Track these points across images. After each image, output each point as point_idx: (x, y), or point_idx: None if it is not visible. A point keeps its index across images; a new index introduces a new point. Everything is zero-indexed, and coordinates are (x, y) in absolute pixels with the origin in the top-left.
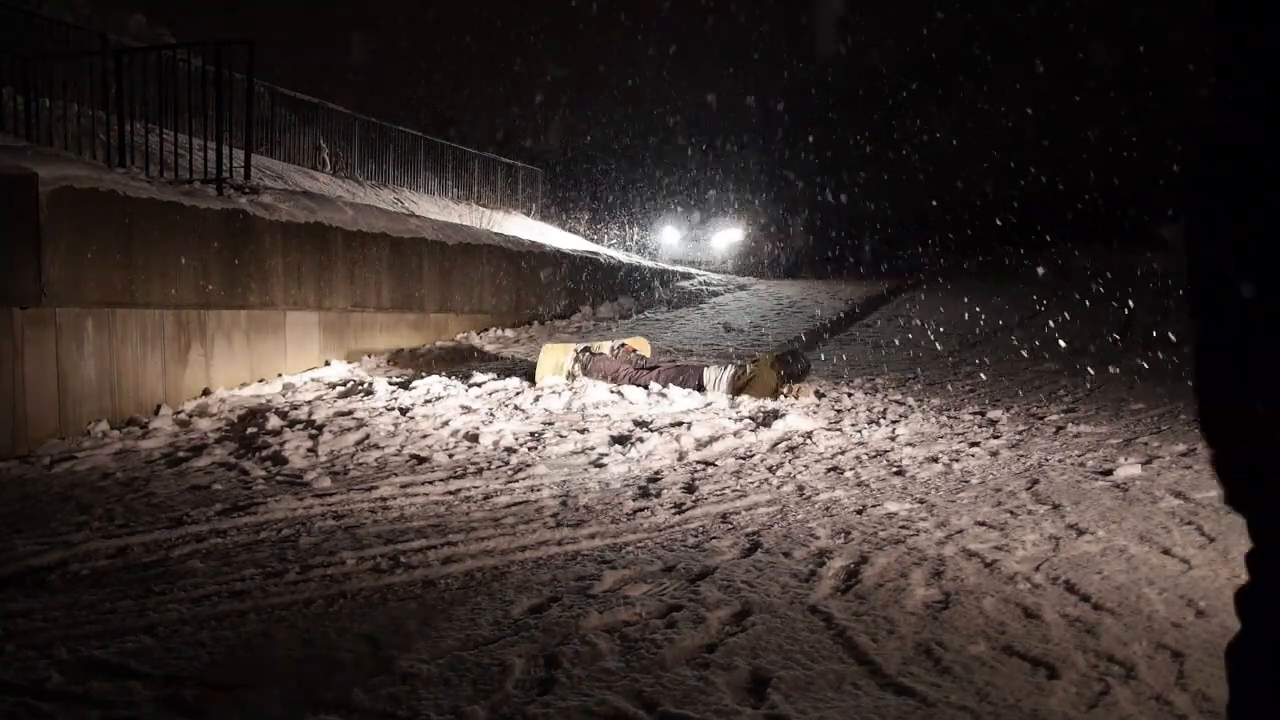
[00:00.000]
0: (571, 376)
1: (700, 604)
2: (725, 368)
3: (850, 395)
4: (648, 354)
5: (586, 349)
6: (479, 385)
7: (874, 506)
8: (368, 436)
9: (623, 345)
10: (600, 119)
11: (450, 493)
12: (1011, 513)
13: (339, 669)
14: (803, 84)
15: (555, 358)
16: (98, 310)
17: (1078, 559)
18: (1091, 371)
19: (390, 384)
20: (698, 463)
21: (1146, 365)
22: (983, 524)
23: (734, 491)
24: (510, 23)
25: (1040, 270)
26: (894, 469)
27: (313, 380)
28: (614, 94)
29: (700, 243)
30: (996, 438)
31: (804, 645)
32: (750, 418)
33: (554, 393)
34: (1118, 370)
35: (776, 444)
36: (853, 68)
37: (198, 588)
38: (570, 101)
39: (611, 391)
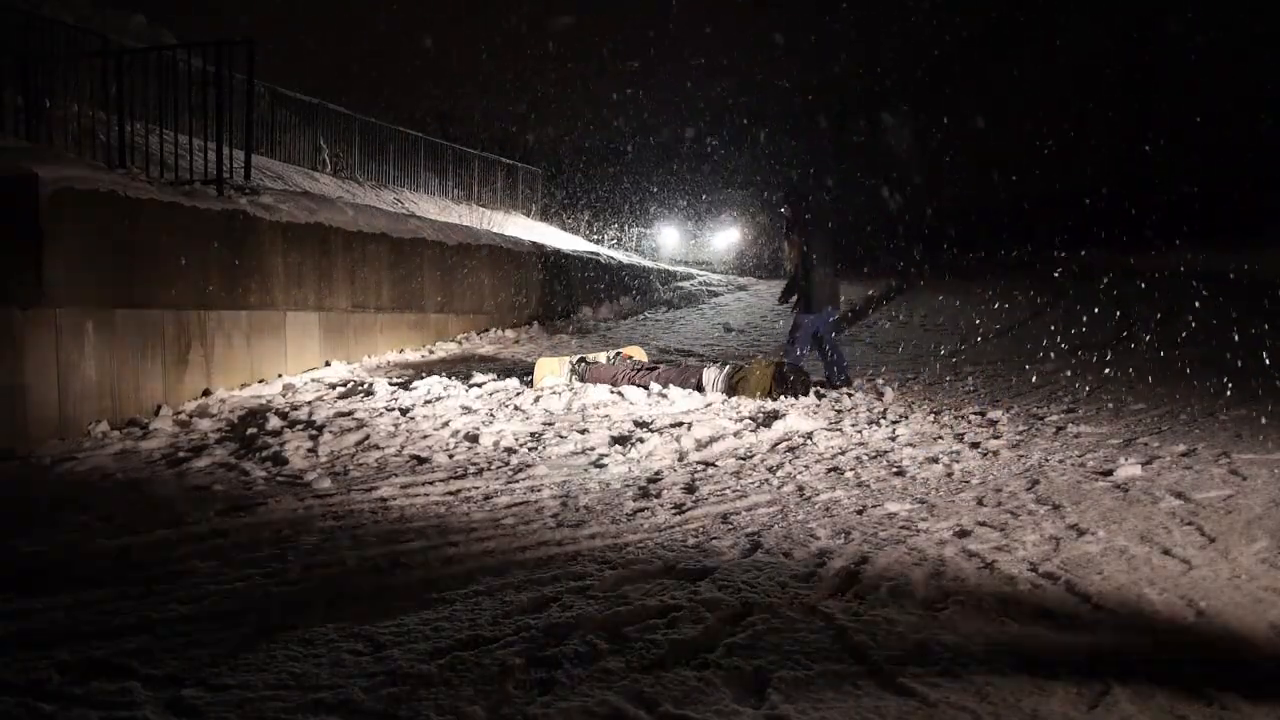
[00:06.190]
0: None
1: (700, 604)
2: (723, 368)
3: (850, 395)
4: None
5: (582, 359)
6: (479, 386)
7: (874, 507)
8: (368, 437)
9: (619, 354)
10: (601, 119)
11: (450, 493)
12: (1012, 513)
13: (339, 669)
14: (805, 85)
15: (551, 370)
16: (98, 311)
17: (1078, 559)
18: (1090, 375)
19: (390, 384)
20: (698, 463)
21: (1146, 366)
22: (983, 524)
23: (734, 492)
24: (511, 21)
25: (1042, 271)
26: (894, 469)
27: (313, 381)
28: (616, 93)
29: (700, 243)
30: (997, 438)
31: (804, 645)
32: (750, 418)
33: (554, 393)
34: (1117, 370)
35: (777, 444)
36: (854, 70)
37: (198, 588)
38: (572, 101)
39: (611, 392)
